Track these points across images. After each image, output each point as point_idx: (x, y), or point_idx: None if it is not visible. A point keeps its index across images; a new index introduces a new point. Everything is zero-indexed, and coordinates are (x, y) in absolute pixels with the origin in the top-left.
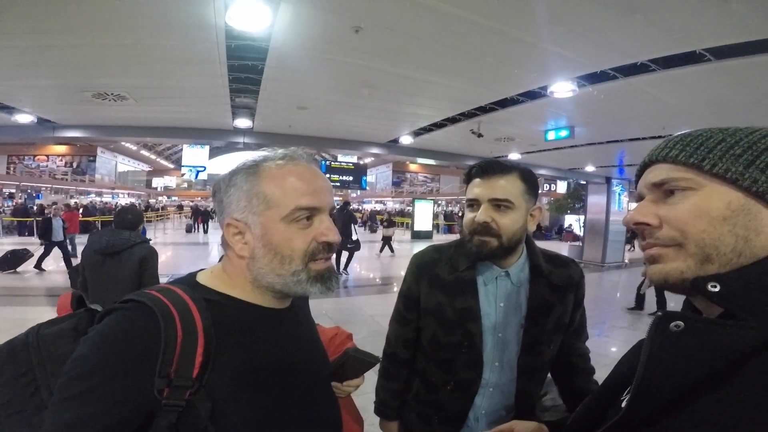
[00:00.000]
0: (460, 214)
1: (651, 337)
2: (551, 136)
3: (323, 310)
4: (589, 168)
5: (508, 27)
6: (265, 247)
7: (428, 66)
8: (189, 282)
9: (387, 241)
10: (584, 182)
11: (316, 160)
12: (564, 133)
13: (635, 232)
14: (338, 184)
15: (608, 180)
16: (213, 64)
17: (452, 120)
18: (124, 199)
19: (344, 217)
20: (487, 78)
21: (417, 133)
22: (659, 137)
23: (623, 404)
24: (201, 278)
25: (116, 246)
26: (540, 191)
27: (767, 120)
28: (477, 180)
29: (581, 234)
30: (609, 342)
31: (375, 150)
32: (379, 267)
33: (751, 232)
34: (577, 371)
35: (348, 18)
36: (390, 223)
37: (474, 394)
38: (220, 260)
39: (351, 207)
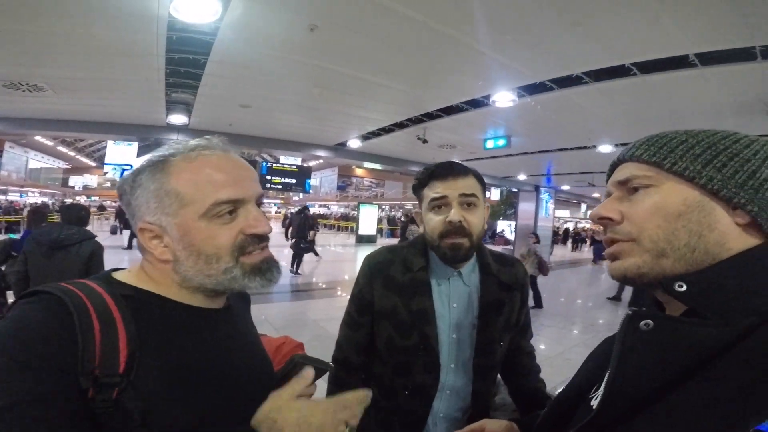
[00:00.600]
0: (402, 219)
1: (622, 337)
2: (490, 144)
3: (263, 316)
4: (521, 176)
5: (460, 33)
6: (186, 249)
7: (382, 69)
8: (104, 278)
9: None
10: (516, 190)
11: (233, 149)
12: (501, 141)
13: (600, 226)
14: (279, 186)
15: (537, 188)
16: (150, 56)
17: (400, 125)
18: (34, 198)
19: (300, 221)
20: (437, 84)
21: (366, 137)
22: (584, 148)
23: (593, 403)
24: (118, 276)
25: (67, 240)
26: None
27: (674, 126)
28: (439, 181)
29: (512, 238)
30: (539, 340)
31: (322, 152)
32: (323, 271)
33: (705, 228)
34: (526, 370)
35: (304, 15)
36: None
37: (432, 397)
38: None
39: (309, 212)
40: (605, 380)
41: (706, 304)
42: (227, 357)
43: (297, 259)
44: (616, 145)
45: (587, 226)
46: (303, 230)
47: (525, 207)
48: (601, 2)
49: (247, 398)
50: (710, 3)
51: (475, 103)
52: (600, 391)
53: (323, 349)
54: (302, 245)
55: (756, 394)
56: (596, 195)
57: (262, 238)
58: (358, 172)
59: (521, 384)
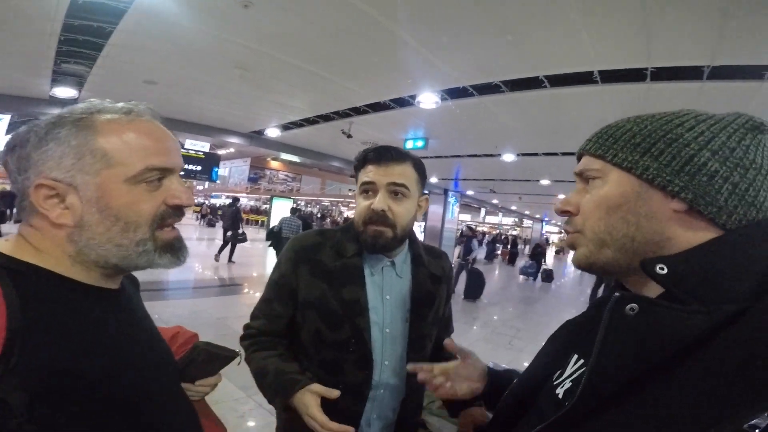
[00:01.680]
0: (318, 216)
1: (607, 321)
2: (409, 145)
3: (156, 314)
4: (433, 179)
5: (400, 28)
6: (101, 213)
7: (315, 56)
8: None
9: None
10: (426, 192)
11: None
12: (420, 143)
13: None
14: (182, 173)
15: (446, 192)
16: (44, 20)
17: (326, 117)
18: None
19: (233, 213)
20: (370, 78)
21: (286, 127)
22: (491, 155)
23: (558, 392)
24: None
25: None
26: None
27: (571, 140)
28: (372, 165)
29: (421, 239)
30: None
31: (235, 139)
32: (228, 267)
33: (642, 218)
34: None
35: None
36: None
37: (365, 397)
38: None
39: (240, 204)
40: (588, 367)
41: (686, 287)
42: (130, 344)
43: (231, 249)
44: (518, 155)
45: (484, 229)
46: (236, 222)
47: (434, 209)
48: (534, 13)
49: (153, 389)
50: (622, 23)
51: (401, 102)
52: (567, 379)
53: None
54: (239, 237)
55: (744, 387)
56: (495, 201)
57: (181, 212)
58: (273, 164)
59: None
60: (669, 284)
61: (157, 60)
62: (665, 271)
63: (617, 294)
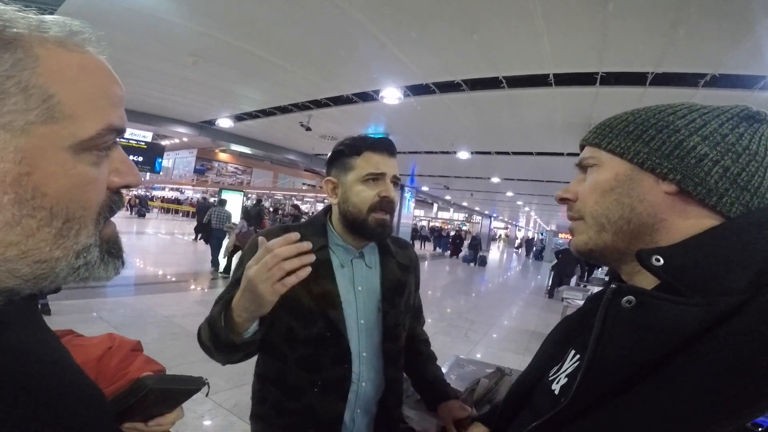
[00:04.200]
0: (271, 209)
1: (603, 315)
2: None
3: (94, 312)
4: None
5: (369, 21)
6: (23, 204)
7: (277, 45)
8: None
9: None
10: None
11: None
12: None
13: (565, 205)
14: None
15: (402, 187)
16: None
17: (283, 109)
18: None
19: (257, 212)
20: (334, 71)
21: (240, 118)
22: (446, 153)
23: (554, 387)
24: None
25: None
26: None
27: (522, 140)
28: (378, 154)
29: None
30: None
31: (182, 129)
32: (174, 261)
33: (635, 200)
34: (425, 358)
35: None
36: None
37: (346, 391)
38: None
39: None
40: (584, 363)
41: (683, 279)
42: (22, 384)
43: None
44: (473, 153)
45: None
46: (261, 222)
47: None
48: (500, 13)
49: None
50: (582, 28)
51: (364, 97)
52: (562, 374)
53: (183, 347)
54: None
55: (746, 383)
56: (448, 197)
57: (122, 198)
58: (222, 156)
59: (423, 373)
60: (665, 276)
61: (101, 45)
62: (661, 262)
63: (613, 286)
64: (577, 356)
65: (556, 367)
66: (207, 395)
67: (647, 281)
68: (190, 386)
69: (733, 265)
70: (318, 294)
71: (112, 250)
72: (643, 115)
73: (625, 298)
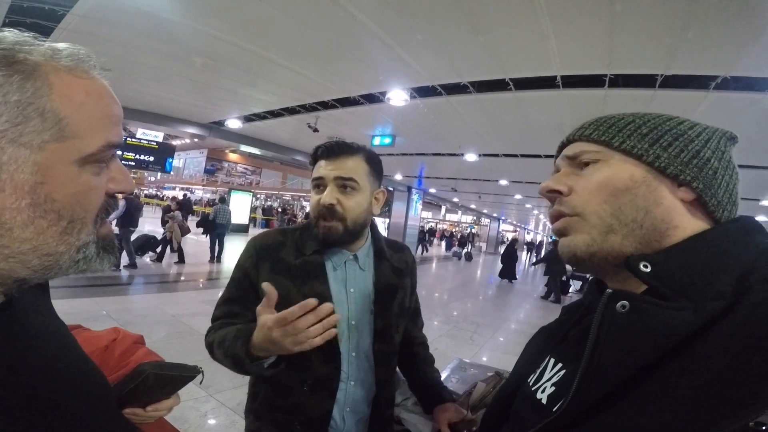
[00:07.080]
0: (279, 209)
1: (598, 321)
2: (377, 141)
3: (103, 311)
4: (398, 176)
5: (374, 23)
6: (37, 208)
7: (284, 47)
8: None
9: None
10: (391, 189)
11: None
12: (387, 140)
13: (548, 200)
14: (133, 164)
15: (409, 189)
16: None
17: (291, 110)
18: None
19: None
20: (340, 73)
21: (249, 119)
22: (454, 155)
23: (540, 396)
24: None
25: None
26: None
27: (530, 142)
28: (323, 160)
29: (385, 235)
30: None
31: (192, 130)
32: (185, 261)
33: (651, 204)
34: (422, 361)
35: None
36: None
37: (335, 390)
38: None
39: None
40: (580, 369)
41: (670, 284)
42: (28, 375)
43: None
44: (480, 155)
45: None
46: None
47: (397, 206)
48: (506, 14)
49: (76, 422)
50: (590, 29)
51: (371, 98)
52: (547, 383)
53: (186, 347)
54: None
55: (740, 384)
56: (455, 199)
57: (117, 201)
58: (232, 156)
59: (420, 375)
60: (654, 281)
61: (112, 46)
62: (648, 269)
63: (609, 290)
64: (559, 365)
65: (534, 376)
66: (201, 383)
67: (640, 288)
68: (185, 373)
69: (717, 270)
70: (310, 295)
71: (107, 247)
72: (651, 120)
73: (619, 303)
